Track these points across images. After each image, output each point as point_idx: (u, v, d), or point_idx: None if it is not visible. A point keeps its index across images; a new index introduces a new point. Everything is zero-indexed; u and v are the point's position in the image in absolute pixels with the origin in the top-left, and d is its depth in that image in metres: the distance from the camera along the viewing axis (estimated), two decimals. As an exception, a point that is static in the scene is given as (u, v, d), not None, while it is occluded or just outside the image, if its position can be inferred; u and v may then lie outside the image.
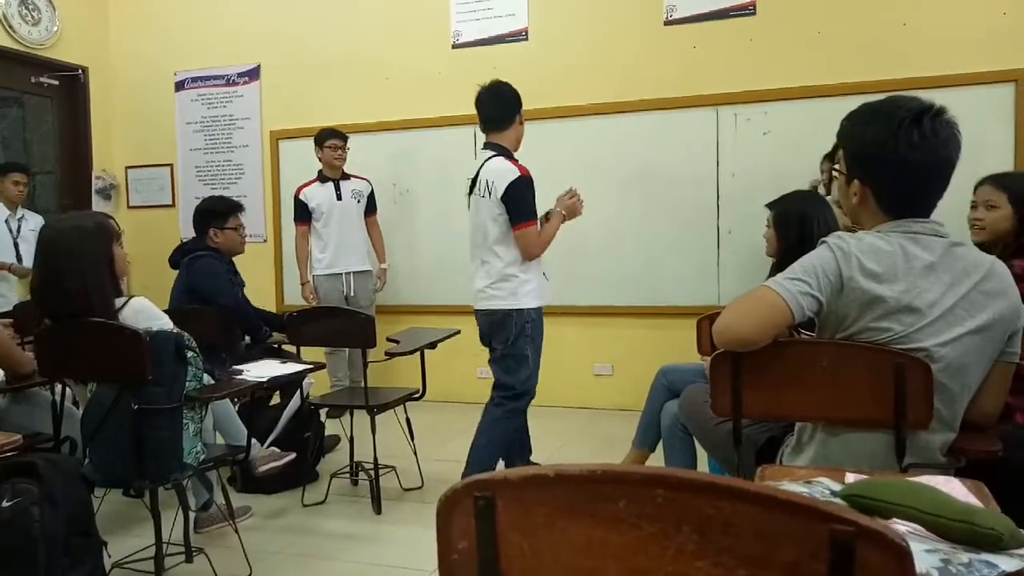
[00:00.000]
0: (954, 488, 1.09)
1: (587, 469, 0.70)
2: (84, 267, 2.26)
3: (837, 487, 1.08)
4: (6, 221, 4.55)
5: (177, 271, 3.59)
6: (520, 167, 2.95)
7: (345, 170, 4.69)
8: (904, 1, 4.13)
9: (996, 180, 2.44)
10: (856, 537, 0.61)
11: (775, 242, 2.64)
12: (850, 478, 1.15)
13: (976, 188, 2.50)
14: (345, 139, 4.65)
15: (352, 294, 4.68)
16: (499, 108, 3.04)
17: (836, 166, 1.67)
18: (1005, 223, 2.38)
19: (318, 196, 4.66)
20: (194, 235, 3.66)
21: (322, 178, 4.68)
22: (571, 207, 3.12)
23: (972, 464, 1.56)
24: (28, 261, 4.36)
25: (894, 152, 1.49)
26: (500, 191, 2.91)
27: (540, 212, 3.04)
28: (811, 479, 1.14)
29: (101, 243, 2.31)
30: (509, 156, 3.02)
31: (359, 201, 4.68)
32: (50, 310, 2.32)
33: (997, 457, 1.52)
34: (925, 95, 1.58)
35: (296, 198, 4.70)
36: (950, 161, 1.52)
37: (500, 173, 2.93)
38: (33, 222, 4.62)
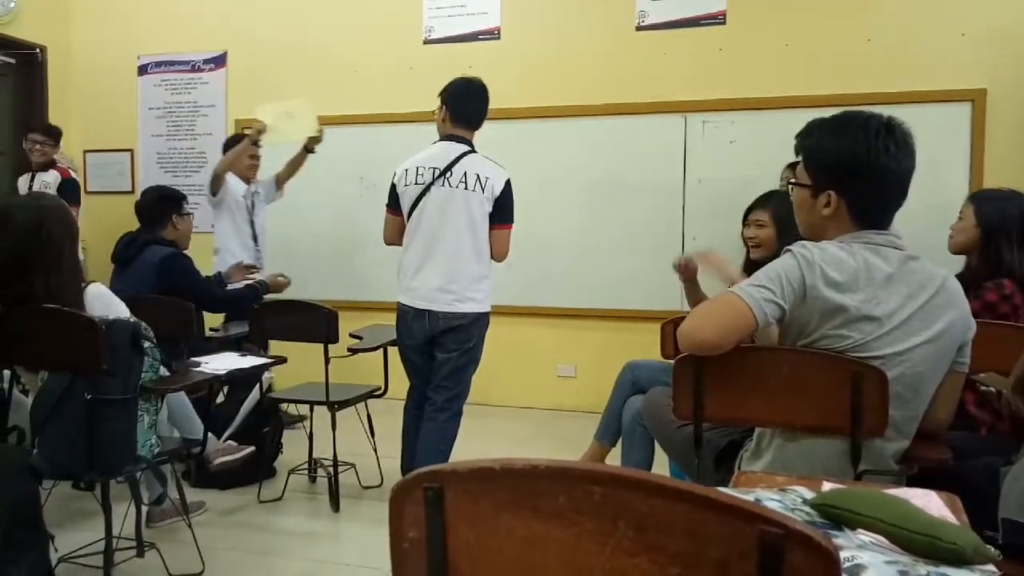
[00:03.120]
0: (931, 502, 1.10)
1: (530, 464, 0.70)
2: (51, 252, 2.17)
3: (811, 495, 1.08)
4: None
5: (119, 265, 3.33)
6: None
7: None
8: (869, 18, 4.22)
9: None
10: (784, 539, 0.61)
11: (774, 240, 2.59)
12: (827, 487, 1.15)
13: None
14: None
15: None
16: (482, 107, 3.00)
17: (793, 180, 1.69)
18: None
19: None
20: (142, 225, 3.42)
21: None
22: None
23: (924, 472, 1.60)
24: None
25: (876, 162, 1.53)
26: (498, 189, 2.88)
27: None
28: (786, 487, 1.14)
29: (64, 225, 2.24)
30: None
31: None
32: (15, 297, 2.19)
33: (948, 465, 1.57)
34: (887, 110, 1.62)
35: None
36: (912, 171, 1.57)
37: (494, 170, 2.91)
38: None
